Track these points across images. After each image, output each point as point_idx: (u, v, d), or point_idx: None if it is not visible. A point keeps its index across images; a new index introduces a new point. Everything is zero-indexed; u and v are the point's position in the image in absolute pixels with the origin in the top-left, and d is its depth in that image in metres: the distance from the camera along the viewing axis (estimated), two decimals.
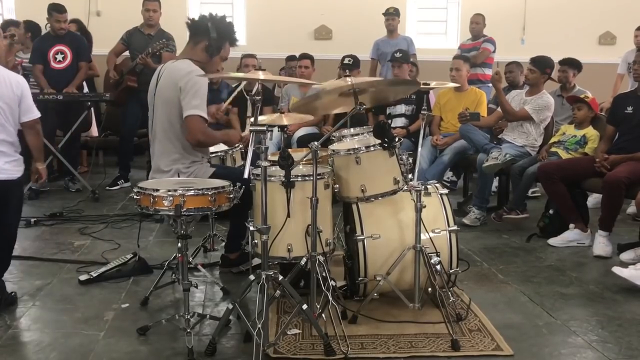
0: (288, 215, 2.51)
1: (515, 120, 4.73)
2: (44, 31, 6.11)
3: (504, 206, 4.68)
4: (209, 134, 3.09)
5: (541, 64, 4.72)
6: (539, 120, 4.66)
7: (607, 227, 3.87)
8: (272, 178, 2.59)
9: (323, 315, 2.60)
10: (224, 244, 3.67)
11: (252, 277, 2.50)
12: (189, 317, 2.53)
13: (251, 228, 2.57)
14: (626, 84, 6.30)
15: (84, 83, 6.16)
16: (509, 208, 4.60)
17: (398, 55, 5.36)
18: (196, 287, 3.05)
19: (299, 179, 2.62)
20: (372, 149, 2.79)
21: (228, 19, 3.20)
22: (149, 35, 5.69)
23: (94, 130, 6.74)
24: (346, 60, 5.74)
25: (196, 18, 3.18)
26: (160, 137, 3.14)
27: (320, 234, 2.61)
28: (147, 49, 5.47)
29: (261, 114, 2.89)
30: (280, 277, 2.49)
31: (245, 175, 2.72)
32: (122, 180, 5.89)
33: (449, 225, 2.91)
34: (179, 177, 3.05)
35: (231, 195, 2.65)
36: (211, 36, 3.10)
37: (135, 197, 2.59)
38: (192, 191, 2.52)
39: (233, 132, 3.47)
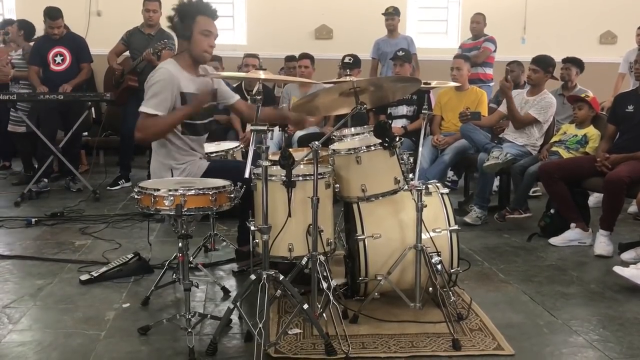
0: (289, 215, 2.51)
1: (523, 127, 4.71)
2: (38, 31, 6.11)
3: (507, 206, 4.67)
4: (144, 127, 2.99)
5: (544, 63, 4.71)
6: (545, 121, 4.67)
7: (608, 226, 3.87)
8: (273, 178, 2.59)
9: (324, 315, 2.60)
10: (224, 243, 3.67)
11: (253, 276, 2.50)
12: (189, 316, 2.53)
13: (252, 228, 2.58)
14: (627, 83, 6.30)
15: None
16: (511, 208, 4.60)
17: (401, 53, 5.36)
18: (197, 286, 3.05)
19: (300, 178, 2.61)
20: (372, 148, 2.78)
21: None
22: (149, 35, 5.69)
23: None
24: (346, 59, 5.74)
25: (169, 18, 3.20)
26: None
27: (321, 233, 2.61)
28: (151, 48, 5.47)
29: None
30: (282, 277, 2.49)
31: (246, 175, 2.72)
32: (123, 180, 5.90)
33: (449, 225, 2.91)
34: (172, 174, 3.06)
35: (232, 195, 2.65)
36: (175, 23, 3.09)
37: (136, 197, 2.59)
38: (193, 191, 2.52)
39: (196, 96, 3.13)
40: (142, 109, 3.00)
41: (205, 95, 3.11)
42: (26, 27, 6.12)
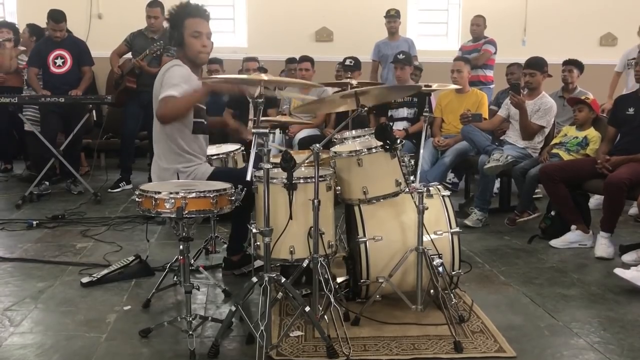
0: (290, 217, 2.52)
1: (532, 138, 4.70)
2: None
3: (515, 210, 4.65)
4: (167, 105, 2.92)
5: (538, 65, 4.71)
6: (548, 124, 4.67)
7: (609, 228, 3.87)
8: (274, 180, 2.59)
9: (325, 317, 2.60)
10: (225, 246, 3.67)
11: (255, 279, 2.50)
12: (190, 319, 2.53)
13: (254, 230, 2.58)
14: (622, 82, 6.27)
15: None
16: (520, 211, 4.58)
17: (401, 57, 5.37)
18: (198, 289, 3.05)
19: (301, 181, 2.62)
20: (373, 150, 2.79)
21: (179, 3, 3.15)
22: (152, 39, 5.70)
23: None
24: (347, 62, 5.75)
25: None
26: (159, 138, 3.15)
27: (323, 236, 2.61)
28: (145, 51, 5.49)
29: (264, 116, 2.89)
30: (283, 280, 2.49)
31: (248, 178, 2.73)
32: (124, 182, 5.90)
33: (451, 227, 2.91)
34: (178, 177, 3.06)
35: (233, 198, 2.65)
36: (169, 32, 3.14)
37: (137, 199, 2.59)
38: (194, 193, 2.52)
39: (201, 87, 3.12)
40: (164, 94, 2.94)
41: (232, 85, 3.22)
42: (37, 33, 6.15)
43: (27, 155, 6.47)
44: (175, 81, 2.98)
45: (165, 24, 5.73)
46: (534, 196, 5.44)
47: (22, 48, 6.35)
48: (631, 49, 6.43)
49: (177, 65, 3.07)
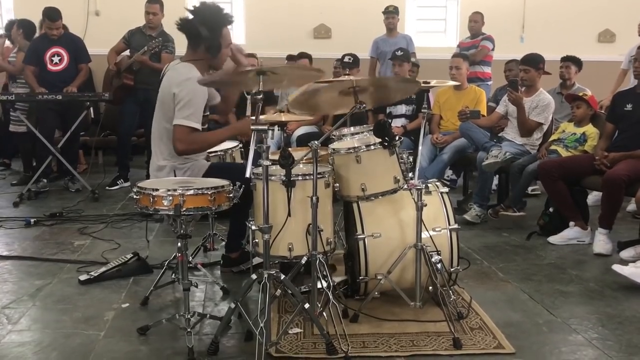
0: (289, 215, 2.51)
1: (530, 134, 4.69)
2: (38, 30, 6.10)
3: (502, 203, 4.66)
4: (191, 141, 2.99)
5: (533, 62, 4.71)
6: (546, 120, 4.67)
7: (607, 224, 3.87)
8: (273, 177, 2.59)
9: (324, 314, 2.60)
10: (224, 243, 3.67)
11: (254, 276, 2.49)
12: (189, 316, 2.53)
13: (252, 227, 2.57)
14: (628, 80, 6.26)
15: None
16: (506, 205, 4.59)
17: (399, 53, 5.37)
18: (196, 286, 3.05)
19: (300, 178, 2.61)
20: (372, 147, 2.78)
21: (209, 4, 3.07)
22: (149, 36, 5.68)
23: None
24: (346, 59, 5.74)
25: (183, 20, 3.06)
26: (158, 135, 3.15)
27: (321, 233, 2.61)
28: (144, 47, 5.48)
29: (262, 113, 2.86)
30: (282, 276, 2.48)
31: (247, 175, 2.72)
32: (122, 180, 5.89)
33: (449, 224, 2.91)
34: (175, 174, 3.05)
35: (231, 195, 2.64)
36: (204, 37, 3.02)
37: (134, 196, 2.59)
38: (192, 191, 2.51)
39: (241, 123, 3.23)
40: (188, 123, 2.95)
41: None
42: (25, 26, 6.11)
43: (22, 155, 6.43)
44: (195, 103, 2.96)
45: (164, 21, 5.79)
46: (533, 193, 5.46)
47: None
48: (635, 46, 6.40)
49: (194, 77, 2.97)
